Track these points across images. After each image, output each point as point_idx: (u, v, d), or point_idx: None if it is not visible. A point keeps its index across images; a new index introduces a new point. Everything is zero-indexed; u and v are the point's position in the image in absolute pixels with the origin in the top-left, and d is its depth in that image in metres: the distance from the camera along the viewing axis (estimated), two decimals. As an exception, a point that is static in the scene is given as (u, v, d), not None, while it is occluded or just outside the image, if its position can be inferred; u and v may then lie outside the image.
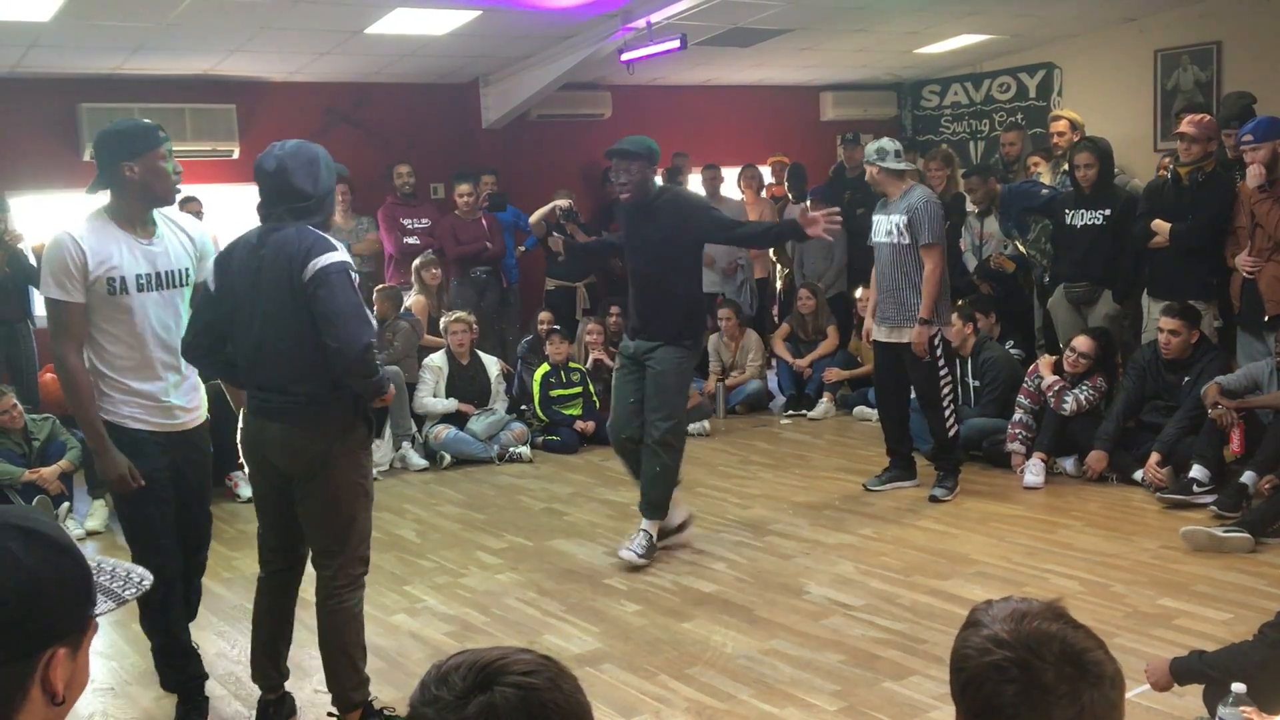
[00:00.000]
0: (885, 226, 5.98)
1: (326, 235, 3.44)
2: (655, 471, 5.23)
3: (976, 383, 6.90)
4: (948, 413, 6.06)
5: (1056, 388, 6.30)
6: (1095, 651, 1.36)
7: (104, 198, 3.59)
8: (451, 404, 7.54)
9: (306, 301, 3.31)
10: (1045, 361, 6.56)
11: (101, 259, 3.47)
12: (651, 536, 5.25)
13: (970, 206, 8.16)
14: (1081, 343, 6.36)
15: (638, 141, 5.24)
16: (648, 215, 5.24)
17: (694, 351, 5.41)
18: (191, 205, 7.98)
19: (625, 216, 5.43)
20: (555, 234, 6.49)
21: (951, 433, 6.09)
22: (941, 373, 6.01)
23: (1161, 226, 6.31)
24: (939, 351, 5.97)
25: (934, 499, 6.02)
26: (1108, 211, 6.67)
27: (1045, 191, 7.30)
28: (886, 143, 6.03)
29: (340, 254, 3.37)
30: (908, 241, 5.87)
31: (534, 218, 9.01)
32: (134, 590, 1.41)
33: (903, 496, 6.14)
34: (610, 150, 5.29)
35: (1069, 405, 6.26)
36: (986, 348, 6.91)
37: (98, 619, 1.32)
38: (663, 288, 5.22)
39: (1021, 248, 7.46)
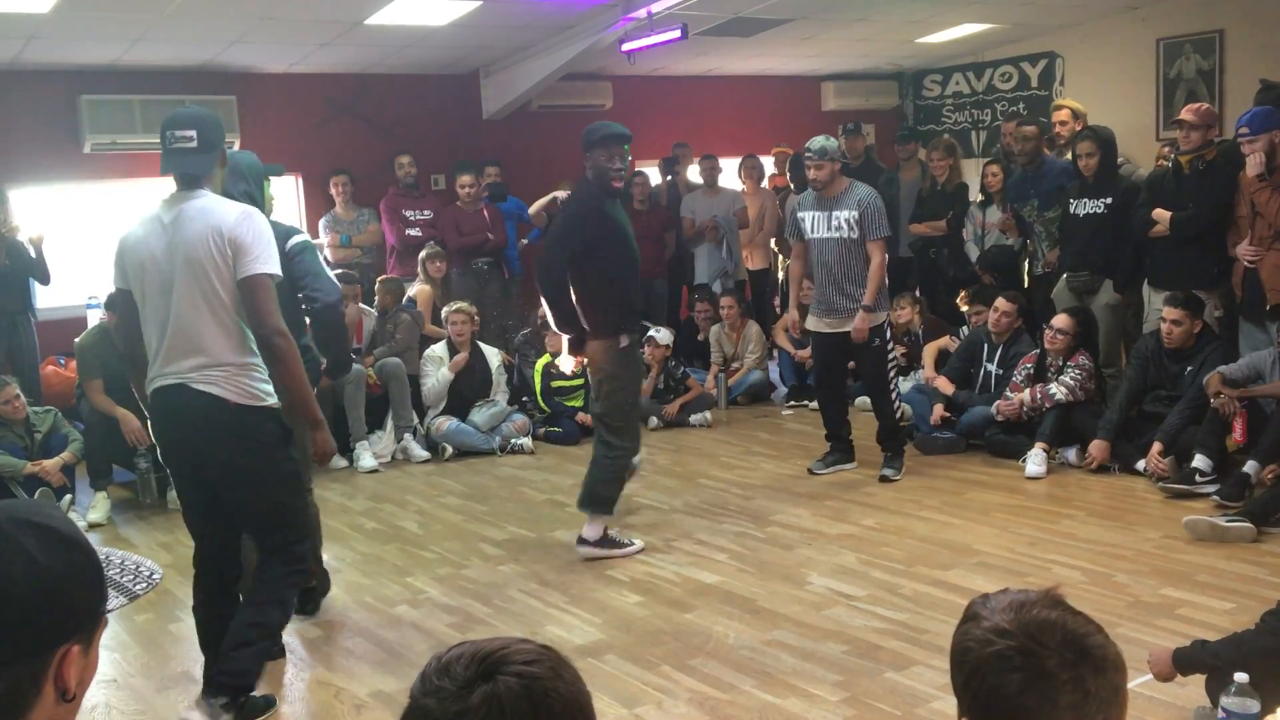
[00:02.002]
0: (832, 222, 6.12)
1: None
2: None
3: (1000, 371, 6.86)
4: (894, 395, 6.32)
5: (1039, 394, 6.33)
6: (1096, 636, 1.37)
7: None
8: (446, 375, 7.45)
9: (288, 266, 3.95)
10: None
11: None
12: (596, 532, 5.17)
13: (973, 196, 8.15)
14: (1060, 320, 6.47)
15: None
16: None
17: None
18: None
19: None
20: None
21: (899, 414, 6.35)
22: (889, 357, 6.25)
23: (1162, 215, 6.29)
24: (888, 336, 6.22)
25: (884, 479, 6.24)
26: (1109, 200, 6.66)
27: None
28: (827, 140, 6.13)
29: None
30: (857, 236, 6.06)
31: (534, 208, 9.02)
32: (144, 585, 1.40)
33: (905, 486, 6.14)
34: None
35: (1058, 394, 6.28)
36: (1022, 340, 6.87)
37: (106, 614, 1.32)
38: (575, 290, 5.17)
39: (1027, 216, 7.40)
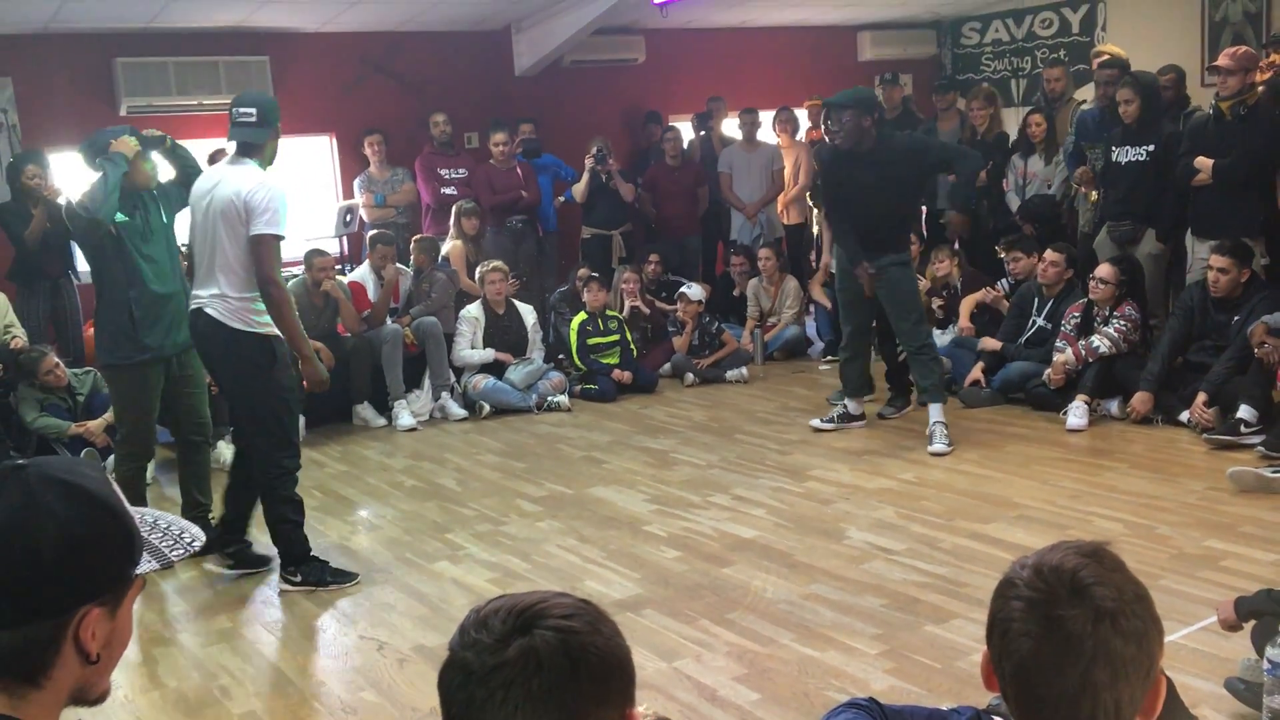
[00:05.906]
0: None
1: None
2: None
3: (1049, 325, 6.75)
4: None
5: (1084, 350, 6.22)
6: (1104, 585, 1.32)
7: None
8: (489, 354, 7.55)
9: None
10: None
11: None
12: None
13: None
14: (1103, 270, 6.35)
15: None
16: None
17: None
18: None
19: None
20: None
21: (902, 357, 6.49)
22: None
23: (1204, 163, 6.16)
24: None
25: (881, 416, 6.59)
26: (1151, 147, 6.53)
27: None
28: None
29: None
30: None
31: (578, 191, 8.89)
32: (182, 551, 1.35)
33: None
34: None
35: (1102, 346, 6.18)
36: (1073, 294, 6.68)
37: (143, 577, 1.28)
38: None
39: (1092, 160, 7.24)
